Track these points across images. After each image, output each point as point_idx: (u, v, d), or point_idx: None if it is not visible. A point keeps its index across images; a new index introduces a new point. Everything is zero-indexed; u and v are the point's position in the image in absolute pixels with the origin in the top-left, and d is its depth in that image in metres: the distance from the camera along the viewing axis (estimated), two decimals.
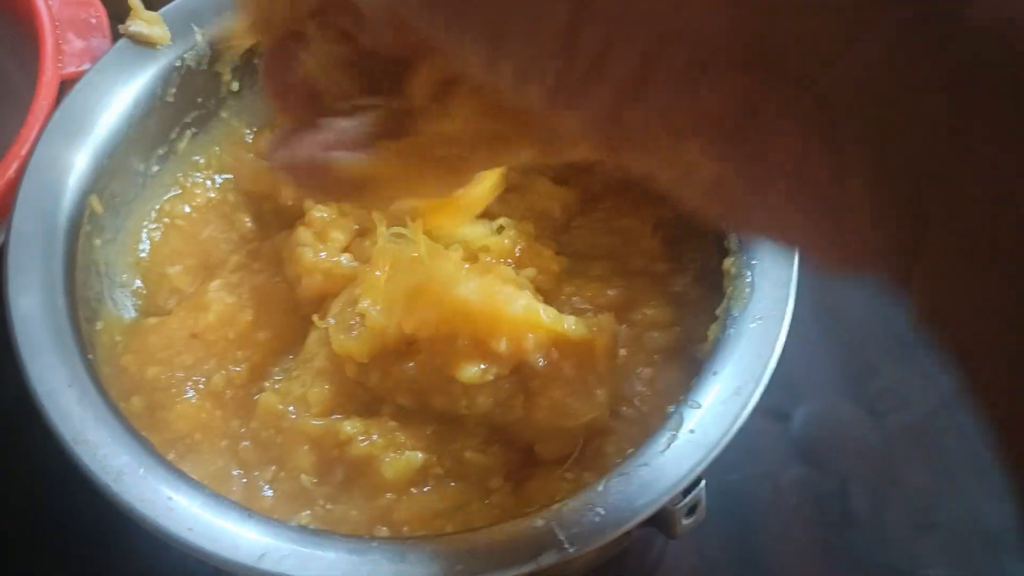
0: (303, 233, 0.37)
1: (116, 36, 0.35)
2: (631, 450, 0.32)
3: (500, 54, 0.15)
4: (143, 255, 0.38)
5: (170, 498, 0.26)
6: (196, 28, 0.37)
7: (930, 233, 0.14)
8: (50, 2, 0.35)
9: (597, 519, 0.27)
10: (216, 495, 0.28)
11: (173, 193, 0.39)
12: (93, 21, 0.35)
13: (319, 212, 0.38)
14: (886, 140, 0.13)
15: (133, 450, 0.27)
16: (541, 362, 0.32)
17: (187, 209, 0.40)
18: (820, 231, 0.15)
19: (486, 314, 0.31)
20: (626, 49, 0.14)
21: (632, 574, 0.40)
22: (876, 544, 0.40)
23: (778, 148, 0.14)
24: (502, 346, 0.31)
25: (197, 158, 0.40)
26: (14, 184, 0.31)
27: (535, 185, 0.39)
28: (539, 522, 0.27)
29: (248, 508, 0.28)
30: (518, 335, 0.32)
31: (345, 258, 0.36)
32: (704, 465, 0.29)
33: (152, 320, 0.36)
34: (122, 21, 0.35)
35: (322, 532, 0.27)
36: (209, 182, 0.40)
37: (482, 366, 0.31)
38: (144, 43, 0.35)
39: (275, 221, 0.40)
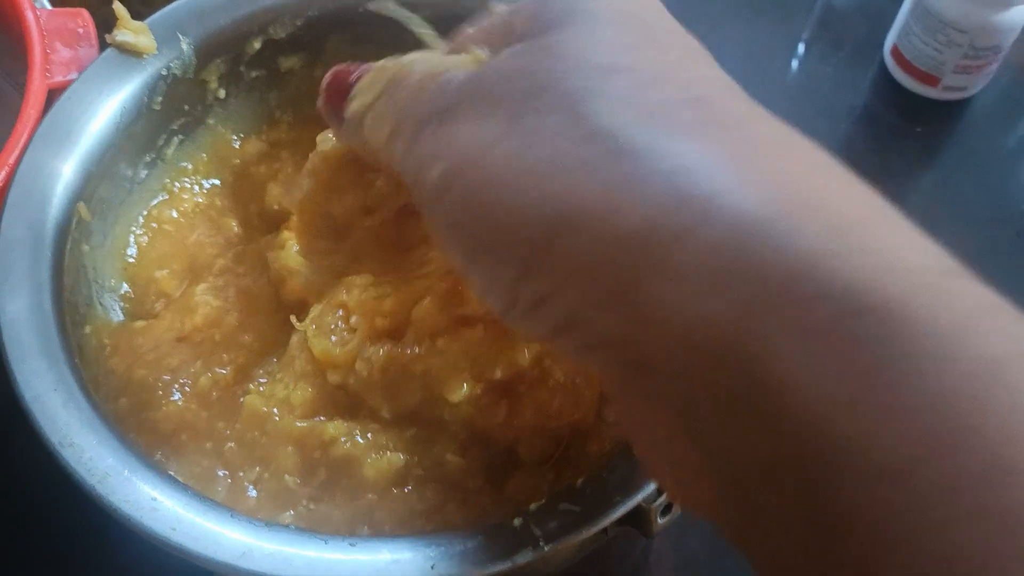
0: (288, 236, 0.38)
1: (103, 45, 0.36)
2: (610, 449, 0.32)
3: (471, 272, 0.20)
4: (131, 259, 0.39)
5: (154, 499, 0.27)
6: (182, 37, 0.37)
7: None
8: (39, 12, 0.36)
9: (572, 517, 0.28)
10: (200, 496, 0.28)
11: (161, 198, 0.40)
12: (80, 31, 0.36)
13: None
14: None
15: (118, 453, 0.28)
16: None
17: (175, 214, 0.40)
18: (668, 478, 0.19)
19: (474, 335, 0.32)
20: (554, 307, 0.18)
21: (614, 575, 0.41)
22: None
23: (641, 421, 0.19)
24: (497, 374, 0.32)
25: (185, 164, 0.41)
26: (2, 192, 0.31)
27: None
28: (515, 521, 0.28)
29: (231, 508, 0.28)
30: (510, 356, 0.32)
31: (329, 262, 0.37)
32: None
33: (140, 323, 0.37)
34: (109, 31, 0.36)
35: (303, 531, 0.28)
36: (197, 187, 0.41)
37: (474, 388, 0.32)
38: (131, 52, 0.36)
39: (261, 225, 0.41)
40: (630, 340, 0.17)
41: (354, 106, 0.23)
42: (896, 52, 0.53)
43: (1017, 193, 0.52)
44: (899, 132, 0.53)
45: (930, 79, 0.52)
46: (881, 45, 0.55)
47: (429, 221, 0.20)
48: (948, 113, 0.54)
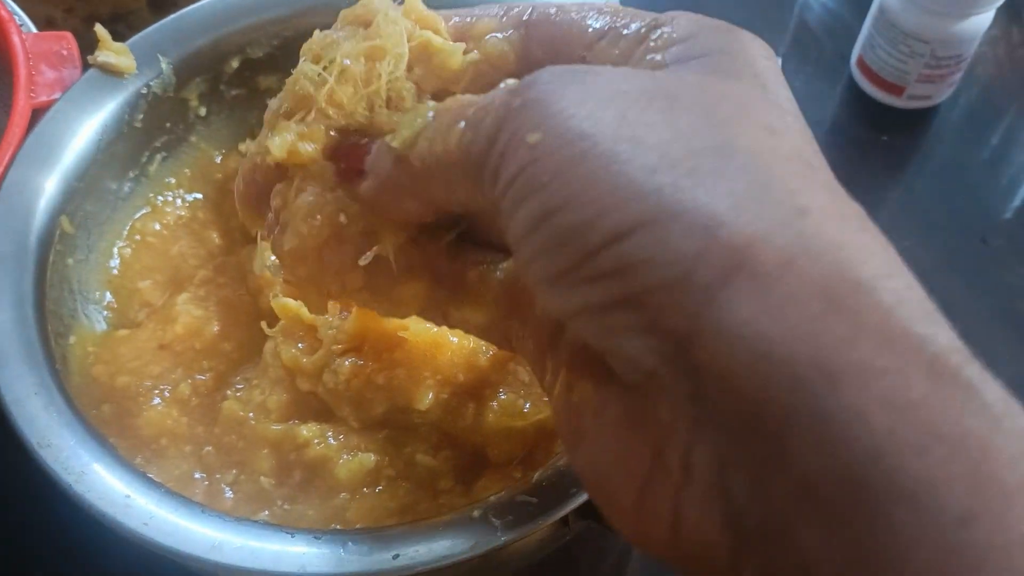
0: (266, 247, 0.39)
1: (87, 67, 0.38)
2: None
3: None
4: (115, 271, 0.40)
5: (128, 496, 0.28)
6: (161, 57, 0.39)
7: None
8: (24, 36, 0.37)
9: (530, 508, 0.29)
10: (172, 493, 0.29)
11: (144, 212, 0.41)
12: (64, 53, 0.37)
13: None
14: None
15: (95, 452, 0.29)
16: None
17: (158, 227, 0.42)
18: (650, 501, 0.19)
19: (431, 343, 0.33)
20: (627, 281, 0.18)
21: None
22: None
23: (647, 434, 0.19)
24: (460, 378, 0.33)
25: (169, 179, 0.42)
26: None
27: None
28: (475, 512, 0.29)
29: (203, 504, 0.29)
30: (471, 360, 0.34)
31: None
32: None
33: (123, 332, 0.38)
34: (91, 52, 0.38)
35: (271, 526, 0.29)
36: (180, 201, 0.42)
37: (440, 394, 0.33)
38: (112, 72, 0.37)
39: (241, 237, 0.42)
40: (692, 335, 0.17)
41: (399, 142, 0.23)
42: (861, 63, 0.55)
43: (982, 201, 0.53)
44: (866, 142, 0.54)
45: (895, 89, 0.53)
46: (849, 59, 0.57)
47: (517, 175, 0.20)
48: (914, 123, 0.55)
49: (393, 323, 0.33)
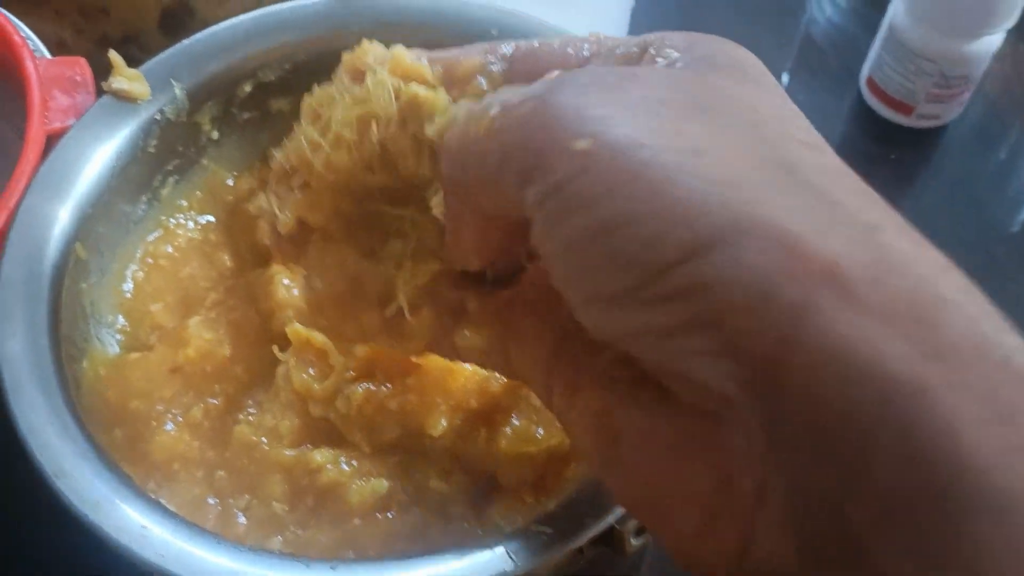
0: (277, 270, 0.39)
1: (100, 92, 0.38)
2: (587, 474, 0.34)
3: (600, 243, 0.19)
4: (127, 295, 0.40)
5: (144, 527, 0.28)
6: (175, 82, 0.39)
7: None
8: (38, 61, 0.37)
9: (545, 538, 0.29)
10: (188, 523, 0.29)
11: (156, 234, 0.42)
12: (78, 79, 0.37)
13: None
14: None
15: (110, 482, 0.29)
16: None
17: (169, 249, 0.42)
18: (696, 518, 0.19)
19: (443, 369, 0.33)
20: (698, 302, 0.17)
21: None
22: None
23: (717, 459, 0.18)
24: (472, 403, 0.33)
25: (180, 201, 0.42)
26: (2, 235, 0.33)
27: None
28: (488, 542, 0.29)
29: (219, 535, 0.30)
30: (483, 385, 0.34)
31: None
32: None
33: (135, 355, 0.38)
34: (106, 78, 0.38)
35: (287, 556, 0.29)
36: (191, 223, 0.43)
37: (453, 419, 0.33)
38: (126, 98, 0.38)
39: (252, 259, 0.42)
40: (778, 356, 0.16)
41: (433, 130, 0.22)
42: (871, 82, 0.55)
43: (990, 218, 0.53)
44: (875, 159, 0.54)
45: (904, 107, 0.53)
46: (857, 75, 0.57)
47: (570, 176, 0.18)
48: (923, 141, 0.55)
49: None
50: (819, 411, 0.16)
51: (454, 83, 0.26)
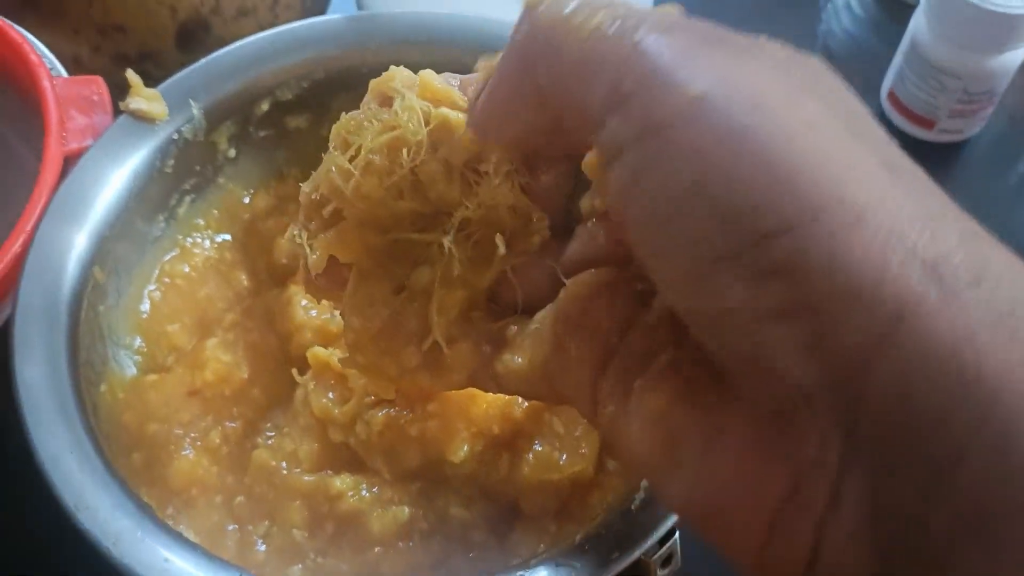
0: (294, 291, 0.39)
1: (117, 112, 0.37)
2: (611, 501, 0.33)
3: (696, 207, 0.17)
4: (144, 315, 0.40)
5: (166, 559, 0.28)
6: (193, 102, 0.39)
7: None
8: (55, 81, 0.37)
9: (572, 572, 0.29)
10: (210, 555, 0.29)
11: (173, 254, 0.41)
12: (95, 98, 0.37)
13: None
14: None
15: (131, 513, 0.29)
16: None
17: (186, 268, 0.41)
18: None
19: (465, 395, 0.32)
20: (786, 281, 0.16)
21: None
22: None
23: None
24: (495, 430, 0.33)
25: (197, 220, 0.42)
26: (20, 259, 0.33)
27: None
28: (514, 574, 0.29)
29: (241, 567, 0.29)
30: (506, 411, 0.33)
31: (335, 315, 0.38)
32: (676, 518, 0.30)
33: (152, 377, 0.38)
34: (124, 96, 0.37)
35: None
36: (208, 242, 0.42)
37: (475, 446, 0.33)
38: (144, 119, 0.37)
39: (269, 279, 0.42)
40: (874, 353, 0.16)
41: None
42: (892, 96, 0.54)
43: (1013, 233, 0.53)
44: None
45: (926, 123, 0.53)
46: (877, 89, 0.56)
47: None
48: (945, 155, 0.55)
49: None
50: (909, 415, 0.15)
51: None
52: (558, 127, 0.20)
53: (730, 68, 0.17)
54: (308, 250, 0.25)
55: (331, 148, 0.25)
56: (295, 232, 0.25)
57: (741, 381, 0.18)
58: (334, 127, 0.25)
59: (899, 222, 0.16)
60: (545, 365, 0.24)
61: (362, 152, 0.24)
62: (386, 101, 0.25)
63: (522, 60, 0.20)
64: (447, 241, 0.24)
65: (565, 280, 0.24)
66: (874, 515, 0.16)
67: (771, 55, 0.18)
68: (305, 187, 0.25)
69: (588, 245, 0.24)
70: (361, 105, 0.26)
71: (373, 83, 0.25)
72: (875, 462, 0.16)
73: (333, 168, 0.24)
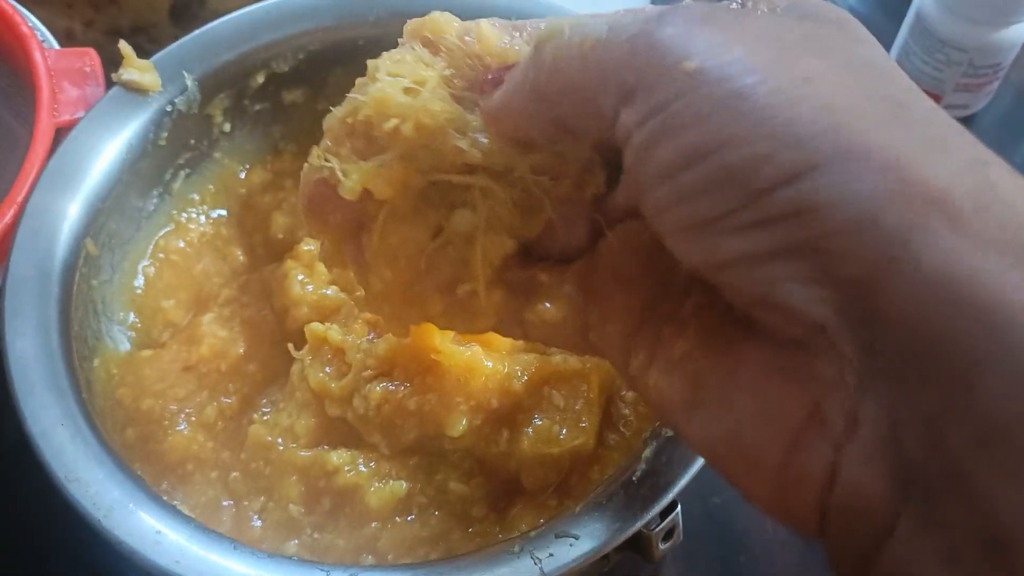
0: (291, 266, 0.38)
1: (110, 84, 0.37)
2: (611, 475, 0.33)
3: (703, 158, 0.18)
4: (139, 291, 0.39)
5: (158, 532, 0.27)
6: (187, 74, 0.38)
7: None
8: (47, 53, 0.36)
9: (572, 544, 0.28)
10: (204, 528, 0.28)
11: (168, 229, 0.41)
12: (87, 70, 0.36)
13: (307, 245, 0.39)
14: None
15: (124, 486, 0.28)
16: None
17: (181, 244, 0.41)
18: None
19: (463, 368, 0.32)
20: (800, 227, 0.17)
21: None
22: None
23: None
24: (493, 403, 0.32)
25: (192, 195, 0.41)
26: (11, 229, 0.32)
27: None
28: (515, 548, 0.28)
29: (235, 540, 0.29)
30: (505, 385, 0.33)
31: (332, 290, 0.38)
32: (678, 489, 0.29)
33: (146, 353, 0.37)
34: (116, 68, 0.37)
35: (305, 562, 0.28)
36: (203, 217, 0.42)
37: (473, 420, 0.32)
38: (136, 90, 0.37)
39: (265, 254, 0.42)
40: (877, 280, 0.16)
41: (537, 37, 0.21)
42: None
43: None
44: None
45: (932, 97, 0.52)
46: None
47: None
48: None
49: (425, 346, 0.32)
50: (920, 335, 0.16)
51: None
52: (568, 132, 0.21)
53: (722, 39, 0.18)
54: (341, 176, 0.23)
55: (377, 76, 0.24)
56: (319, 153, 0.24)
57: (758, 319, 0.18)
58: (371, 62, 0.24)
59: (900, 157, 0.16)
60: (582, 315, 0.25)
61: (430, 79, 0.23)
62: (431, 45, 0.24)
63: (535, 91, 0.21)
64: (490, 183, 0.23)
65: (607, 231, 0.24)
66: (892, 436, 0.17)
67: (762, 21, 0.19)
68: (339, 111, 0.24)
69: (630, 197, 0.24)
70: (398, 46, 0.25)
71: (413, 25, 0.25)
72: (892, 381, 0.16)
73: (388, 91, 0.23)
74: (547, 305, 0.24)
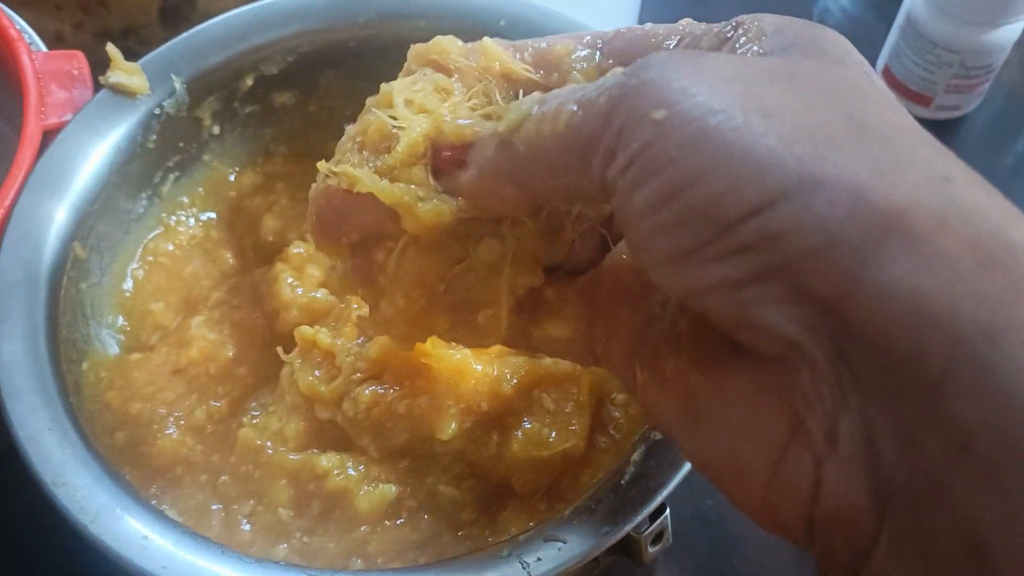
0: (281, 269, 0.38)
1: (98, 87, 0.37)
2: (601, 478, 0.32)
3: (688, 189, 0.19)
4: (127, 294, 0.39)
5: (145, 537, 0.27)
6: (175, 76, 0.38)
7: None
8: (34, 55, 0.36)
9: (560, 548, 0.28)
10: (191, 532, 0.28)
11: (157, 232, 0.41)
12: (75, 73, 0.36)
13: (296, 248, 0.39)
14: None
15: (111, 490, 0.28)
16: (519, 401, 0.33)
17: (170, 247, 0.41)
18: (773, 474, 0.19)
19: (454, 371, 0.32)
20: (770, 253, 0.18)
21: None
22: None
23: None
24: (484, 406, 0.32)
25: (182, 198, 0.41)
26: None
27: None
28: (504, 552, 0.28)
29: (223, 544, 0.29)
30: (495, 388, 0.33)
31: (321, 293, 0.38)
32: (667, 493, 0.29)
33: (135, 356, 0.37)
34: (103, 72, 0.37)
35: (293, 566, 0.28)
36: (193, 220, 0.42)
37: (463, 423, 0.32)
38: (124, 93, 0.37)
39: (256, 257, 0.41)
40: (843, 297, 0.17)
41: (504, 126, 0.22)
42: (888, 73, 0.53)
43: None
44: None
45: (923, 99, 0.52)
46: (872, 66, 0.56)
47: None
48: (942, 133, 0.54)
49: (415, 349, 0.32)
50: (888, 350, 0.16)
51: (549, 66, 0.25)
52: (556, 200, 0.23)
53: (687, 83, 0.19)
54: (376, 180, 0.23)
55: (384, 103, 0.24)
56: (329, 167, 0.24)
57: (741, 340, 0.19)
58: (385, 85, 0.24)
59: (857, 179, 0.17)
60: (588, 331, 0.25)
61: (456, 102, 0.23)
62: (442, 68, 0.24)
63: (514, 180, 0.22)
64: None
65: (613, 246, 0.25)
66: (869, 449, 0.17)
67: (737, 61, 0.20)
68: (351, 129, 0.24)
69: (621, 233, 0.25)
70: (402, 71, 0.25)
71: (418, 50, 0.25)
72: (866, 395, 0.17)
73: (416, 115, 0.23)
74: (554, 322, 0.25)
